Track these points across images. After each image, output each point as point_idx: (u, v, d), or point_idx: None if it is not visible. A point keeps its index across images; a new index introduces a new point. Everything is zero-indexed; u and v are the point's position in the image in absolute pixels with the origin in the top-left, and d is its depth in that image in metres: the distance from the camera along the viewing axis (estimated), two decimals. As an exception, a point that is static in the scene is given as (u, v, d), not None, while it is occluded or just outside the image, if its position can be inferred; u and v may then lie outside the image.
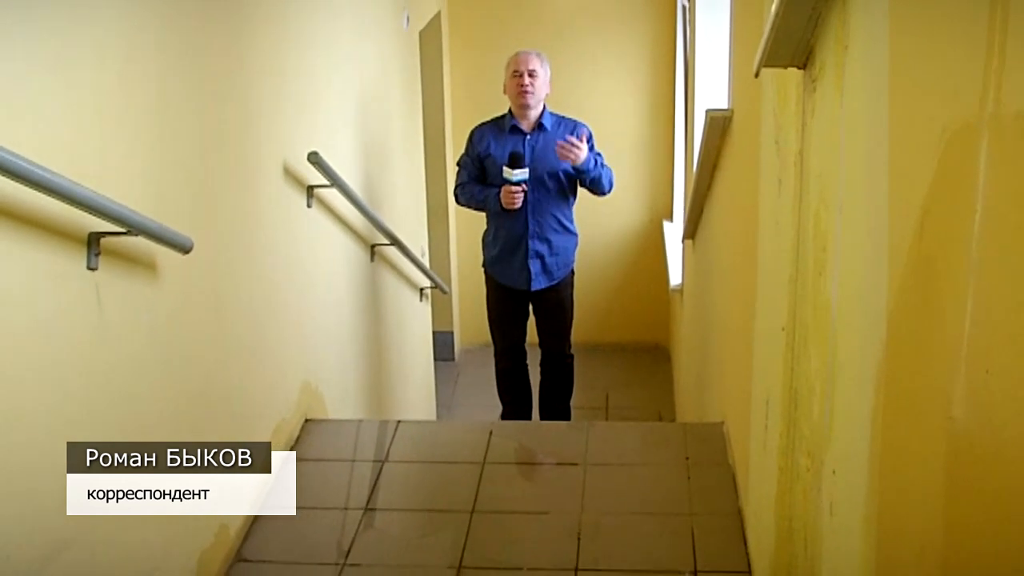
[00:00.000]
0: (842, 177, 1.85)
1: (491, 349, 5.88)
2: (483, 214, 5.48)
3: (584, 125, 5.26)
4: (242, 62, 3.42)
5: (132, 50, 2.58)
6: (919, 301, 1.37)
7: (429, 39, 7.65)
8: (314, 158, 3.98)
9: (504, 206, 5.14)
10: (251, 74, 3.50)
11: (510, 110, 5.26)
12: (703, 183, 4.64)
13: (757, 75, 2.47)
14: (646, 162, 9.03)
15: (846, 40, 1.81)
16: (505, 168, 5.08)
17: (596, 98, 8.83)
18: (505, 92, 5.28)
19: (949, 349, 1.23)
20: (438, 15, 8.02)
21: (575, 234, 5.44)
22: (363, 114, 5.26)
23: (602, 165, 5.22)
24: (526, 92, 5.11)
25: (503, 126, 5.27)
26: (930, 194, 1.32)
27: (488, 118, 5.44)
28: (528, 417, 5.78)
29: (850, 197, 1.79)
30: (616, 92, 8.88)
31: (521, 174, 5.06)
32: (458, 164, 5.43)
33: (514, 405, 5.74)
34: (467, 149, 5.38)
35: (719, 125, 3.94)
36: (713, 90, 5.12)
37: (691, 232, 5.59)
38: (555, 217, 5.29)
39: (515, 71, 5.16)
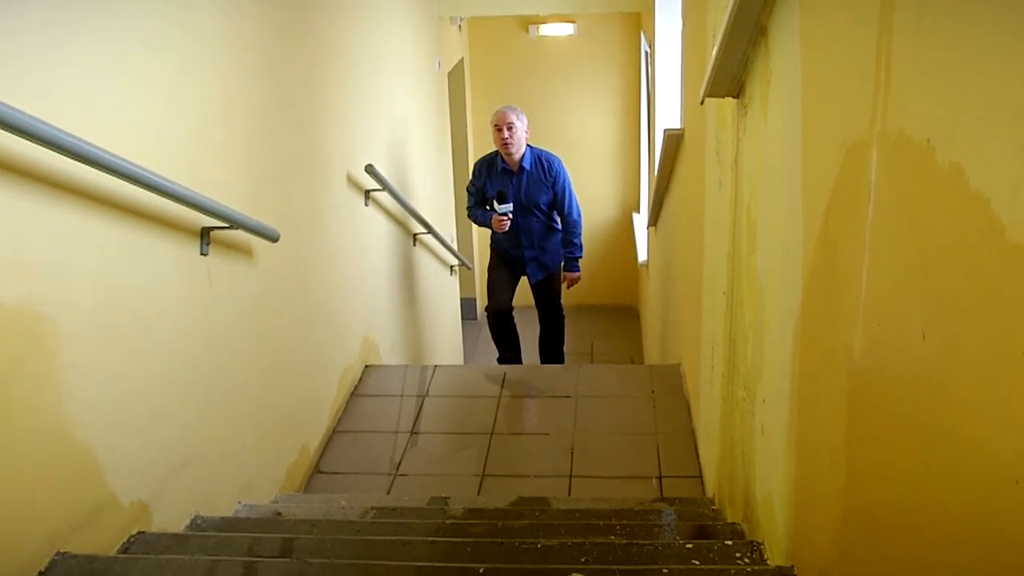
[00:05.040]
0: (767, 179, 1.84)
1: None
2: None
3: (556, 158, 5.07)
4: (315, 93, 3.41)
5: (230, 83, 2.58)
6: (826, 272, 1.37)
7: (455, 78, 7.63)
8: (370, 169, 3.98)
9: (495, 230, 5.05)
10: (322, 104, 3.50)
11: (499, 152, 5.05)
12: (662, 184, 4.63)
13: (702, 103, 2.46)
14: (619, 168, 9.03)
15: (769, 76, 1.80)
16: (494, 203, 4.96)
17: (581, 120, 8.85)
18: (494, 143, 5.03)
19: (850, 308, 1.23)
20: (462, 60, 7.99)
21: (559, 236, 5.26)
22: (406, 135, 5.25)
23: (576, 235, 5.16)
24: (507, 143, 4.89)
25: (496, 166, 5.06)
26: (834, 191, 1.32)
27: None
28: (516, 350, 5.56)
29: (773, 194, 1.79)
30: (596, 115, 8.87)
31: (505, 207, 4.94)
32: (467, 190, 5.26)
33: (502, 342, 5.50)
34: (472, 179, 5.19)
35: (674, 140, 3.93)
36: (669, 114, 5.11)
37: (654, 221, 5.58)
38: (541, 231, 5.16)
39: (495, 125, 4.93)
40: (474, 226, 8.49)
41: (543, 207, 5.08)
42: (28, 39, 1.62)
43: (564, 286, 5.39)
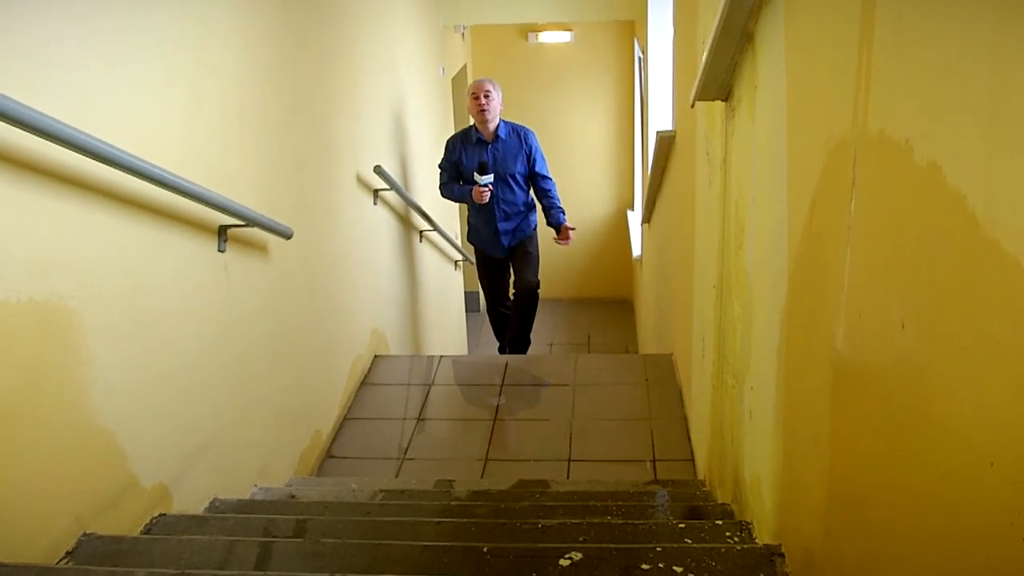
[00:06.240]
0: (754, 178, 1.84)
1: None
2: None
3: (530, 131, 4.95)
4: (326, 97, 3.41)
5: (247, 84, 2.58)
6: (810, 265, 1.37)
7: (458, 83, 7.60)
8: (378, 169, 3.98)
9: (476, 202, 4.87)
10: (333, 107, 3.49)
11: (474, 124, 4.90)
12: (655, 183, 4.63)
13: (692, 106, 2.46)
14: (614, 168, 9.02)
15: (756, 81, 1.80)
16: (475, 174, 4.80)
17: (579, 122, 8.85)
18: (469, 112, 4.91)
19: (832, 300, 1.23)
20: (464, 66, 7.98)
21: (534, 209, 5.09)
22: (412, 137, 5.24)
23: (554, 198, 4.95)
24: (484, 111, 4.76)
25: (470, 137, 4.90)
26: (817, 189, 1.31)
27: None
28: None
29: (760, 192, 1.78)
30: (593, 118, 8.87)
31: (487, 178, 4.79)
32: (440, 167, 5.06)
33: (502, 332, 5.42)
34: (445, 155, 5.02)
35: (666, 142, 3.93)
36: (661, 116, 5.09)
37: (647, 218, 5.57)
38: (516, 204, 4.97)
39: (473, 95, 4.80)
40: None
41: (518, 177, 4.93)
42: (49, 38, 1.62)
43: (565, 239, 4.95)
